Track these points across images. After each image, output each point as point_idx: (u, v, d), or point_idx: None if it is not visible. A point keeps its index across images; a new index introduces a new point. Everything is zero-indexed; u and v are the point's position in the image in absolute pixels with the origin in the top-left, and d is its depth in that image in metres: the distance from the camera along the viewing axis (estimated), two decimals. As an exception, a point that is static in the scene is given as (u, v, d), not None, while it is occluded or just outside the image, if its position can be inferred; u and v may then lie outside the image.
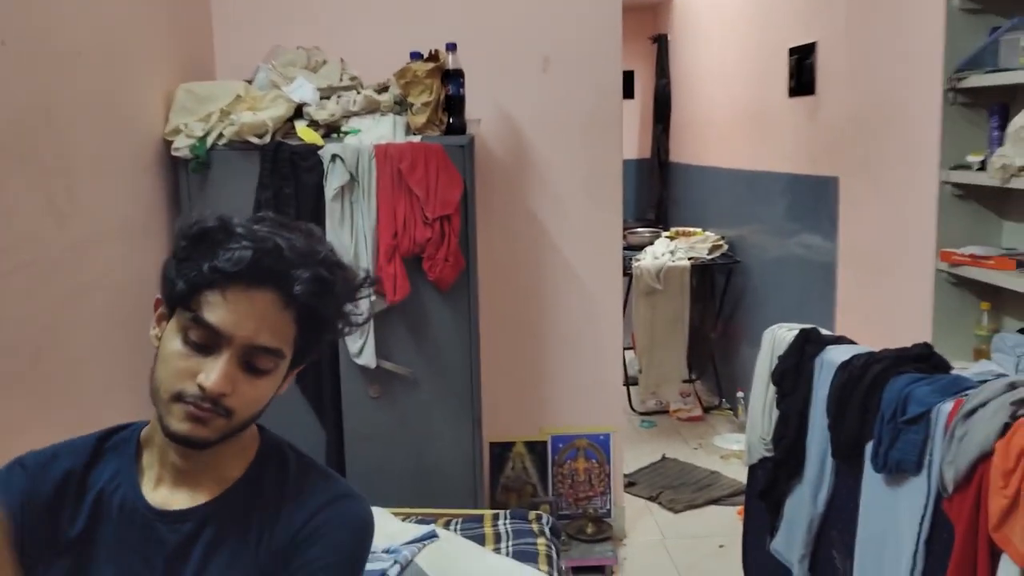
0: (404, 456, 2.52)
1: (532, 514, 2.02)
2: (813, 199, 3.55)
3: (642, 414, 4.61)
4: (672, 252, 4.44)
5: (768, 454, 2.64)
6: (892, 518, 2.02)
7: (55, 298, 1.85)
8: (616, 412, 3.17)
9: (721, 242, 4.54)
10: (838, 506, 2.34)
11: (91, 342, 1.99)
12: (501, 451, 3.15)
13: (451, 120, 2.52)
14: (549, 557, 1.81)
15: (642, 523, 3.36)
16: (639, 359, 4.44)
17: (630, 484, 3.67)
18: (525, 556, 1.80)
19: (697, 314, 4.61)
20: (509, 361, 3.07)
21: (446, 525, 2.00)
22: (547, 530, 1.94)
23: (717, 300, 4.66)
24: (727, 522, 3.34)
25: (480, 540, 1.89)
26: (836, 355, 2.33)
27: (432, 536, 1.76)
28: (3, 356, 1.68)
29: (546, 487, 3.17)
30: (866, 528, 2.14)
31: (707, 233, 4.66)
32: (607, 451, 3.17)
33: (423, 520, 2.03)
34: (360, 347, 2.42)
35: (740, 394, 4.43)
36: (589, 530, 3.07)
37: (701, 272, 4.60)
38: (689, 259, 4.38)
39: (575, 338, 3.09)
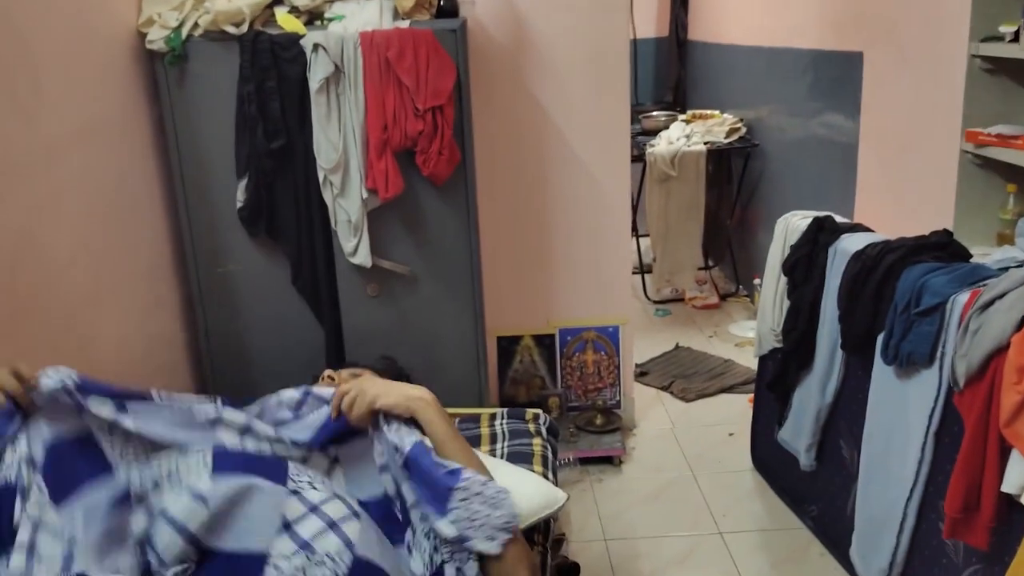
0: (407, 354, 2.47)
1: (529, 413, 1.98)
2: (836, 76, 3.34)
3: (657, 303, 4.55)
4: (688, 136, 4.26)
5: (778, 345, 2.58)
6: (901, 411, 1.96)
7: (28, 203, 1.79)
8: (625, 304, 3.11)
9: (739, 125, 4.34)
10: (847, 397, 2.29)
11: (70, 247, 1.93)
12: (508, 345, 3.12)
13: (441, 2, 2.35)
14: (544, 457, 1.78)
15: (653, 413, 3.35)
16: (653, 247, 4.35)
17: (642, 374, 3.65)
18: (520, 457, 1.77)
19: (713, 200, 4.47)
20: (514, 254, 3.00)
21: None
22: (543, 430, 1.90)
23: (734, 185, 4.51)
24: (738, 411, 3.32)
25: (476, 441, 1.86)
26: (850, 244, 2.23)
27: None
28: (-24, 267, 1.63)
29: (555, 380, 3.15)
30: (874, 420, 2.09)
31: (725, 115, 4.46)
32: (616, 343, 3.12)
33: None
34: (354, 246, 2.35)
35: (757, 281, 4.34)
36: (598, 421, 3.07)
37: (717, 157, 4.44)
38: (705, 143, 4.21)
39: (583, 229, 3.00)
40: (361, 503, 1.32)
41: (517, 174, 2.93)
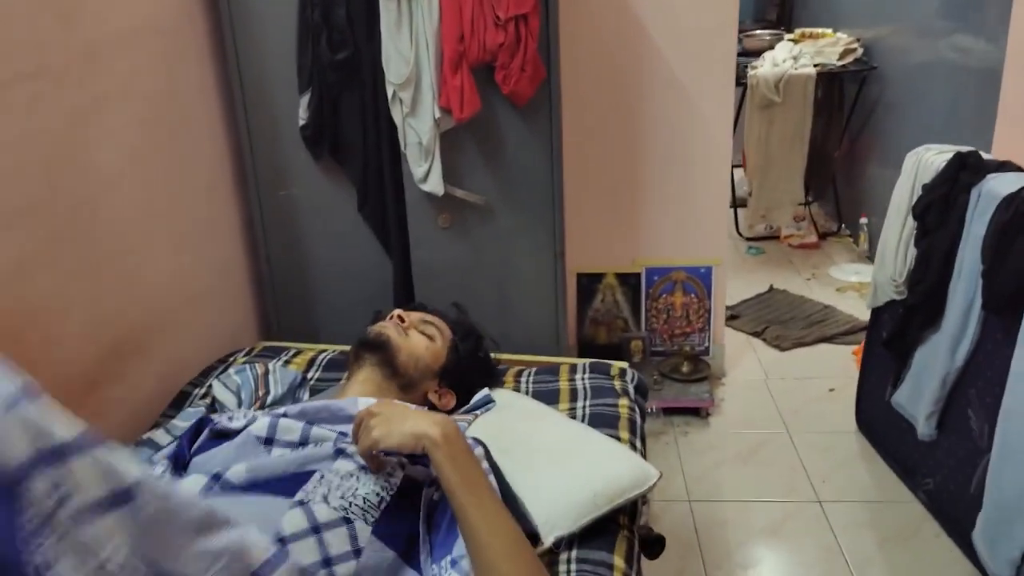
0: (479, 290, 2.28)
1: (615, 368, 1.75)
2: (978, -12, 2.91)
3: (749, 239, 4.23)
4: (795, 58, 3.85)
5: (899, 297, 2.28)
6: (1055, 386, 1.67)
7: (66, 111, 1.62)
8: (720, 243, 2.82)
9: (855, 45, 3.90)
10: (981, 362, 1.99)
11: (116, 160, 1.76)
12: (589, 283, 2.88)
13: None
14: (632, 422, 1.56)
15: (744, 361, 3.09)
16: (749, 180, 4.00)
17: (732, 317, 3.38)
18: (604, 419, 1.55)
19: (820, 130, 4.06)
20: (600, 184, 2.73)
21: (517, 377, 1.76)
22: (631, 389, 1.67)
23: (845, 114, 4.09)
24: (840, 363, 3.03)
25: (553, 397, 1.65)
26: (1000, 185, 1.90)
27: (487, 404, 1.53)
28: (9, 182, 1.47)
29: (638, 322, 2.91)
30: (1016, 394, 1.79)
31: (838, 35, 4.02)
32: (708, 285, 2.85)
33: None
34: (425, 172, 2.12)
35: (863, 220, 3.97)
36: (684, 369, 2.83)
37: (828, 81, 4.01)
38: (815, 66, 3.80)
39: (677, 159, 2.70)
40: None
41: (607, 95, 2.64)
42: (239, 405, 1.67)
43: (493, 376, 1.66)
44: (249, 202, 2.28)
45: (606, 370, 1.75)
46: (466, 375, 1.57)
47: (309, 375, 1.85)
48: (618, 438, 1.51)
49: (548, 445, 1.40)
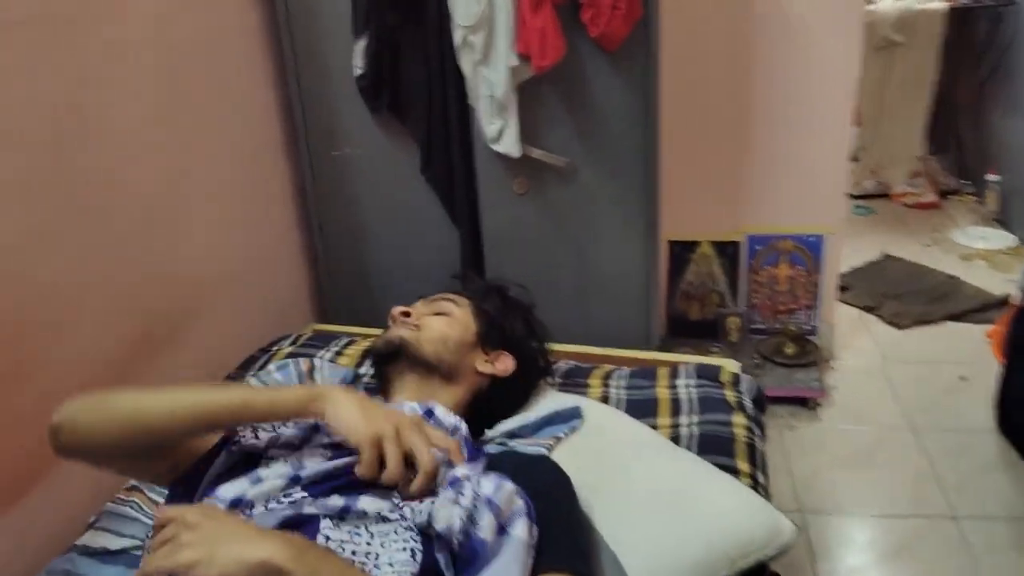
0: (558, 265, 1.99)
1: (725, 372, 1.43)
2: None
3: (856, 197, 3.80)
4: (920, -9, 3.37)
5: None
6: None
7: (82, 61, 1.37)
8: (835, 209, 2.45)
9: (991, -26, 3.40)
10: None
11: (140, 115, 1.52)
12: (682, 251, 2.56)
13: None
14: (751, 448, 1.25)
15: (857, 341, 2.73)
16: (861, 130, 3.56)
17: (841, 289, 3.00)
18: (714, 443, 1.25)
19: (946, 75, 3.58)
20: (698, 140, 2.38)
21: (605, 381, 1.47)
22: (747, 401, 1.36)
23: (976, 55, 3.59)
24: (971, 346, 2.64)
25: (650, 409, 1.36)
26: None
27: (574, 418, 1.24)
28: (4, 147, 1.23)
29: (736, 296, 2.58)
30: None
31: (971, -38, 3.51)
32: (818, 257, 2.49)
33: (571, 372, 1.51)
34: (499, 130, 1.82)
35: (992, 176, 3.50)
36: (788, 350, 2.49)
37: (960, 18, 3.51)
38: (946, 1, 3.31)
39: (791, 111, 2.33)
40: None
41: (711, 37, 2.27)
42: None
43: (536, 322, 1.40)
44: (299, 165, 2.03)
45: (714, 375, 1.44)
46: (508, 329, 1.34)
47: (364, 370, 1.60)
48: (734, 470, 1.21)
49: (651, 484, 1.11)
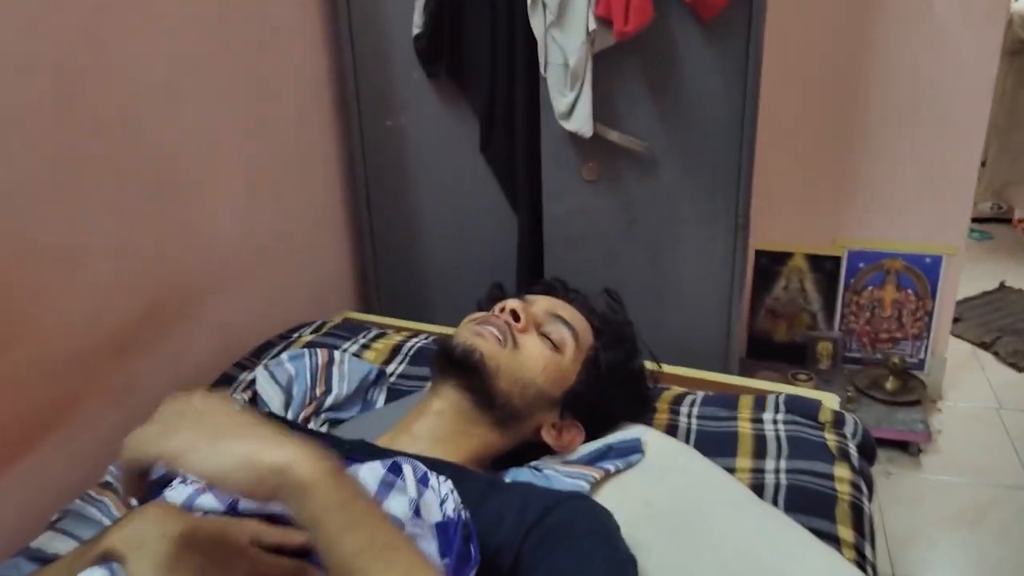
0: (628, 265, 1.74)
1: (826, 411, 1.15)
2: None
3: (972, 220, 3.41)
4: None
5: None
6: None
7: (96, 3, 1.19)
8: (957, 226, 2.14)
9: None
10: None
11: (166, 69, 1.33)
12: (770, 263, 2.27)
13: None
14: (857, 511, 0.97)
15: (968, 381, 2.39)
16: (985, 144, 3.18)
17: (952, 320, 2.65)
18: (808, 500, 0.98)
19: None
20: (799, 136, 2.10)
21: (675, 406, 1.21)
22: (852, 448, 1.08)
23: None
24: (1105, 397, 2.28)
25: (728, 447, 1.09)
26: None
27: (631, 454, 0.99)
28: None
29: (831, 318, 2.27)
30: None
31: None
32: (933, 280, 2.17)
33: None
34: (570, 105, 1.58)
35: None
36: (889, 385, 2.18)
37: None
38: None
39: (914, 110, 2.03)
40: None
41: (827, 16, 1.99)
42: (286, 406, 1.22)
43: (645, 409, 1.12)
44: (348, 135, 1.83)
45: (811, 412, 1.16)
46: (604, 405, 1.05)
47: (391, 368, 1.38)
48: (834, 538, 0.94)
49: (725, 551, 0.85)
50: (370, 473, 0.77)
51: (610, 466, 0.99)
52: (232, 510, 0.80)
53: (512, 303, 1.03)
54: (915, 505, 1.90)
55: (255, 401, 1.25)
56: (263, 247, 1.62)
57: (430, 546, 0.73)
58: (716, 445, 1.10)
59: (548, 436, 1.02)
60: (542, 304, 1.07)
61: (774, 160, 2.05)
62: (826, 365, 2.27)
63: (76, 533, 1.06)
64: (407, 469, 0.77)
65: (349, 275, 1.92)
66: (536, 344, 1.01)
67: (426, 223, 1.87)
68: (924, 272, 2.17)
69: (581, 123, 1.59)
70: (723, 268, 1.73)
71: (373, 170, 1.84)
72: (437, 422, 0.98)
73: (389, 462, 0.78)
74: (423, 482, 0.77)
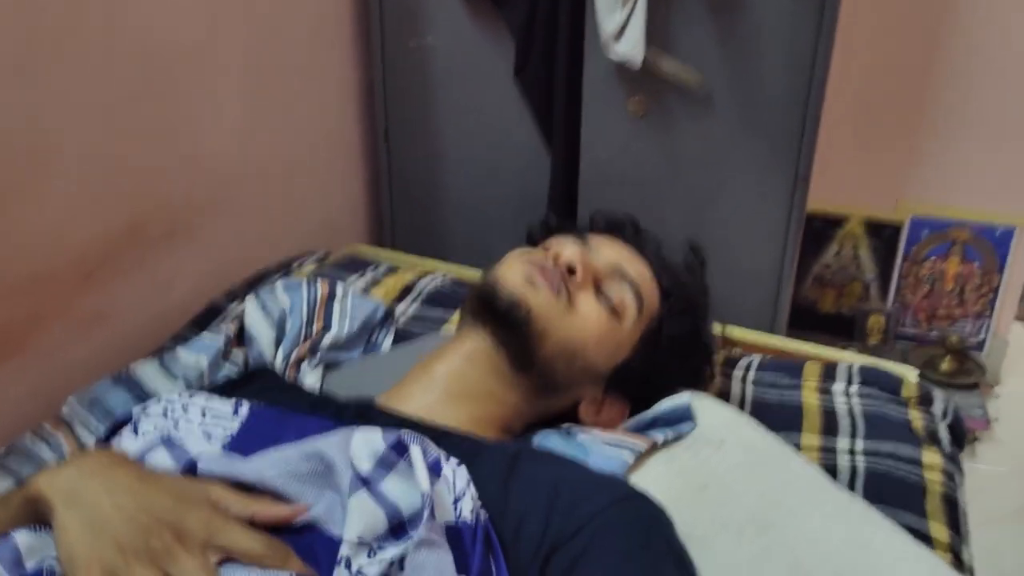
0: (671, 213, 1.56)
1: (908, 384, 0.96)
2: None
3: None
4: None
5: None
6: None
7: None
8: (1036, 195, 1.92)
9: None
10: None
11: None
12: (823, 227, 2.08)
13: None
14: (950, 503, 0.80)
15: (1028, 367, 2.19)
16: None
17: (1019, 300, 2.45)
18: (892, 488, 0.80)
19: None
20: (863, 82, 1.89)
21: (727, 366, 1.03)
22: (943, 431, 0.90)
23: None
24: None
25: (792, 420, 0.92)
26: None
27: (681, 423, 0.82)
28: None
29: (885, 290, 2.08)
30: None
31: None
32: (1003, 253, 1.97)
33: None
34: (619, 26, 1.39)
35: None
36: (945, 366, 1.99)
37: None
38: None
39: (996, 66, 1.81)
40: None
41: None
42: (276, 343, 1.06)
43: (702, 381, 0.95)
44: (368, 53, 1.64)
45: (892, 386, 0.98)
46: (658, 381, 0.88)
47: (401, 309, 1.21)
48: (925, 536, 0.77)
49: (799, 549, 0.68)
50: (365, 446, 0.60)
51: (658, 435, 0.82)
52: (190, 470, 0.64)
53: (571, 252, 0.84)
54: (973, 499, 1.72)
55: (241, 336, 1.08)
56: (264, 170, 1.45)
57: (444, 559, 0.56)
58: (777, 417, 0.93)
59: (586, 412, 0.86)
60: (606, 254, 0.87)
61: (834, 110, 1.85)
62: (876, 340, 2.09)
63: (21, 472, 0.91)
64: (415, 451, 0.60)
65: (361, 207, 1.74)
66: (592, 306, 0.83)
67: (449, 155, 1.69)
68: (993, 244, 1.97)
69: (630, 48, 1.40)
70: (776, 227, 1.54)
71: (393, 95, 1.66)
72: (463, 370, 0.80)
73: (392, 435, 0.61)
74: (435, 470, 0.60)
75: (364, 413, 0.75)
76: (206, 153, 1.32)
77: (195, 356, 1.04)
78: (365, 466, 0.58)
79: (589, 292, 0.84)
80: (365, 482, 0.58)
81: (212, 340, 1.06)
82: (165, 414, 0.69)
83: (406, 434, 0.62)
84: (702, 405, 0.86)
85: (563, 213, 1.56)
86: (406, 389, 0.81)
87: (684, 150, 1.51)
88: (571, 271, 0.83)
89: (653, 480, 0.76)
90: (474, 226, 1.72)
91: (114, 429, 0.72)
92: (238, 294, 1.22)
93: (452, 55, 1.60)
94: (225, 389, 0.86)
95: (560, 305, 0.81)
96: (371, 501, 0.57)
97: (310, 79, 1.53)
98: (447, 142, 1.68)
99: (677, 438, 0.81)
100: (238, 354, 1.06)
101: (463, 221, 1.73)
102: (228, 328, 1.08)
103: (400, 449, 0.60)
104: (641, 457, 0.79)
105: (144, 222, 1.23)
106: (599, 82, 1.49)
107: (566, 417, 0.86)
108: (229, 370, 1.04)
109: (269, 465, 0.61)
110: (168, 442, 0.65)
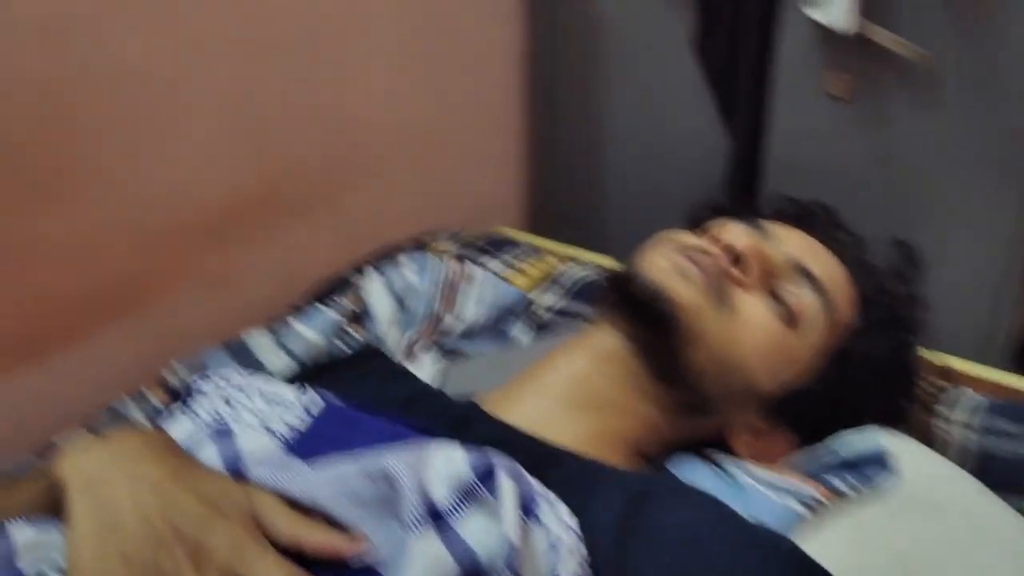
0: (874, 214, 1.30)
1: None
2: None
3: None
4: None
5: None
6: None
7: None
8: None
9: None
10: None
11: None
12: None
13: None
14: None
15: None
16: None
17: None
18: None
19: None
20: None
21: (930, 408, 0.81)
22: None
23: None
24: None
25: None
26: None
27: (878, 470, 0.61)
28: None
29: None
30: None
31: None
32: None
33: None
34: (827, -16, 1.17)
35: None
36: None
37: None
38: None
39: None
40: None
41: None
42: (397, 323, 0.94)
43: (901, 416, 0.74)
44: (530, 17, 1.50)
45: None
46: (842, 411, 0.69)
47: (544, 300, 1.06)
48: None
49: None
50: (444, 467, 0.45)
51: (840, 484, 0.63)
52: (234, 470, 0.51)
53: (738, 237, 0.66)
54: None
55: (361, 313, 0.97)
56: (410, 138, 1.34)
57: None
58: (1013, 478, 0.70)
59: (739, 441, 0.68)
60: (787, 244, 0.69)
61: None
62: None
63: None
64: (505, 485, 0.44)
65: (511, 185, 1.60)
66: (760, 310, 0.65)
67: (613, 133, 1.52)
68: None
69: (839, 13, 1.17)
70: (1001, 239, 1.27)
71: (558, 64, 1.51)
72: (588, 373, 0.65)
73: (479, 457, 0.46)
74: (529, 511, 0.44)
75: (463, 417, 0.60)
76: (348, 115, 1.22)
77: (310, 330, 0.94)
78: (440, 493, 0.44)
79: (759, 290, 0.66)
80: (436, 516, 0.43)
81: (329, 315, 0.96)
82: (221, 396, 0.58)
83: (498, 458, 0.46)
84: (904, 450, 0.65)
85: (742, 192, 1.36)
86: (517, 391, 0.66)
87: (896, 141, 1.26)
88: (737, 261, 0.65)
89: (833, 546, 0.57)
90: (636, 215, 1.55)
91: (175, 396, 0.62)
92: (365, 266, 1.11)
93: (623, 20, 1.43)
94: (331, 368, 0.76)
95: (718, 303, 0.63)
96: (441, 546, 0.42)
97: (466, 40, 1.40)
98: (611, 119, 1.51)
99: (871, 490, 0.61)
100: (354, 332, 0.95)
101: (624, 209, 1.56)
102: (347, 303, 0.97)
103: (487, 476, 0.45)
104: (815, 509, 0.59)
105: (277, 184, 1.15)
106: (795, 53, 1.27)
107: (710, 441, 0.68)
108: (342, 349, 0.93)
109: (325, 482, 0.47)
110: (218, 433, 0.53)
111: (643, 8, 1.39)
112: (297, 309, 1.04)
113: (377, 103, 1.26)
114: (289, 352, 0.92)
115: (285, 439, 0.53)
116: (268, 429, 0.54)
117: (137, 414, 0.86)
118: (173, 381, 0.90)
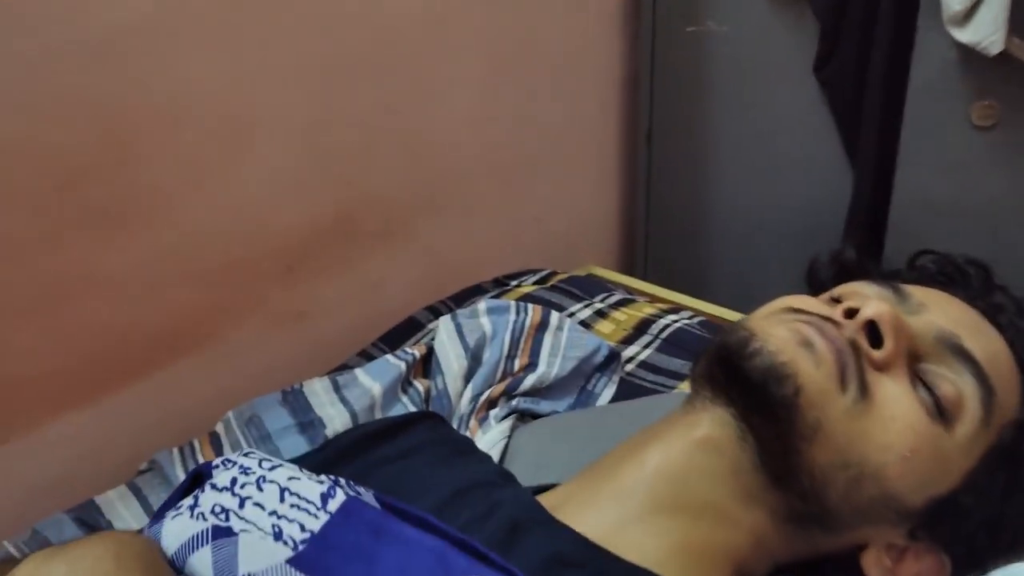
0: (1021, 260, 1.14)
1: None
2: None
3: None
4: None
5: None
6: None
7: None
8: None
9: None
10: None
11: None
12: None
13: None
14: None
15: None
16: None
17: None
18: None
19: None
20: None
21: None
22: None
23: None
24: None
25: None
26: None
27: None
28: None
29: None
30: None
31: None
32: None
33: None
34: (970, 2, 1.02)
35: None
36: None
37: None
38: None
39: None
40: None
41: None
42: (467, 377, 0.85)
43: None
44: (637, 43, 1.40)
45: None
46: (1009, 530, 0.54)
47: (630, 352, 0.95)
48: None
49: None
50: None
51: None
52: None
53: (876, 307, 0.52)
54: None
55: (428, 360, 0.89)
56: (499, 168, 1.25)
57: None
58: None
59: (875, 564, 0.54)
60: (936, 315, 0.55)
61: None
62: None
63: (149, 498, 0.77)
64: None
65: (609, 221, 1.50)
66: (905, 400, 0.51)
67: (723, 167, 1.40)
68: None
69: (986, 32, 1.03)
70: None
71: (663, 91, 1.40)
72: (683, 468, 0.52)
73: None
74: None
75: (520, 522, 0.50)
76: (432, 142, 1.15)
77: (373, 381, 0.85)
78: None
79: (901, 374, 0.52)
80: None
81: (394, 364, 0.87)
82: (234, 486, 0.49)
83: None
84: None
85: (867, 250, 1.21)
86: (591, 489, 0.55)
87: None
88: (874, 336, 0.52)
89: None
90: (745, 258, 1.41)
91: (194, 479, 0.54)
92: (441, 310, 1.03)
93: (737, 44, 1.31)
94: (381, 434, 0.66)
95: (850, 389, 0.50)
96: None
97: (562, 64, 1.31)
98: (722, 151, 1.38)
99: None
100: (419, 385, 0.86)
101: (732, 250, 1.43)
102: (414, 352, 0.89)
103: None
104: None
105: (354, 215, 1.09)
106: (932, 78, 1.12)
107: (835, 562, 0.55)
108: (404, 404, 0.84)
109: None
110: (218, 535, 0.45)
111: (761, 31, 1.27)
112: (367, 354, 0.96)
113: (463, 129, 1.18)
114: (347, 404, 0.84)
115: (296, 547, 0.44)
116: (279, 536, 0.45)
117: (179, 470, 0.79)
118: (221, 433, 0.83)
